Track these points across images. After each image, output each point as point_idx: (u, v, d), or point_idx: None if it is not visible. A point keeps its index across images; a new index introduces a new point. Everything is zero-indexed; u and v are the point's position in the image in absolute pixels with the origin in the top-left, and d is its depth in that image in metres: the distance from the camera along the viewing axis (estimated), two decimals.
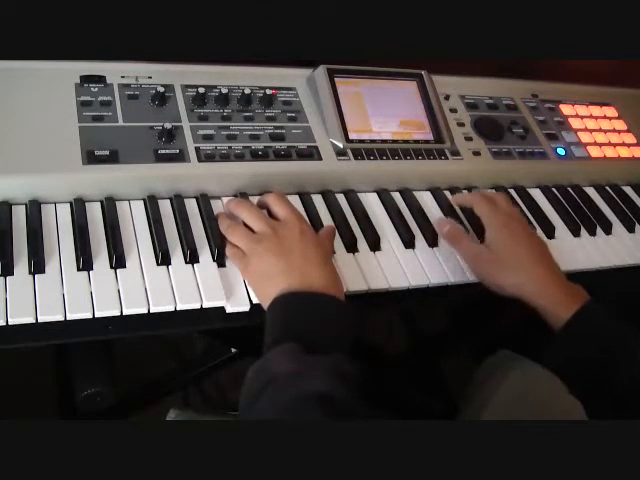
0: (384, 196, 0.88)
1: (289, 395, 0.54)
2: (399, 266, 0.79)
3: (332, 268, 0.71)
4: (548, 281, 0.76)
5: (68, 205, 0.74)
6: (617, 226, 0.96)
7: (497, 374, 0.82)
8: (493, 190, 0.94)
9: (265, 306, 0.68)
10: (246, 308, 0.70)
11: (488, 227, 0.80)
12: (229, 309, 0.69)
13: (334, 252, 0.77)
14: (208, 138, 0.80)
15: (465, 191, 0.93)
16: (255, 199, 0.81)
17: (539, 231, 0.89)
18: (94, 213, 0.74)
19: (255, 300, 0.70)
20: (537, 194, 0.97)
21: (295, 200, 0.83)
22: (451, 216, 0.87)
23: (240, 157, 0.80)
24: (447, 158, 0.91)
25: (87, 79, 0.81)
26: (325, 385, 0.54)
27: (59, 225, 0.71)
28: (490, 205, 0.82)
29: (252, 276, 0.70)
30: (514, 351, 0.79)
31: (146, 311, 0.66)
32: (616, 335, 0.72)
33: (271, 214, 0.76)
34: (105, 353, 0.71)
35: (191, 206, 0.78)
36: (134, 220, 0.74)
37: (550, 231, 0.90)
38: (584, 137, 1.03)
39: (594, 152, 1.02)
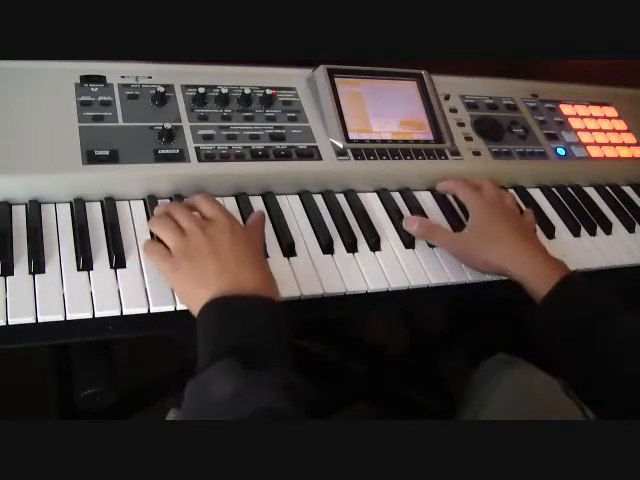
0: (384, 196, 0.88)
1: (238, 416, 0.52)
2: (399, 266, 0.79)
3: (265, 268, 0.68)
4: (531, 254, 0.76)
5: (68, 205, 0.74)
6: (617, 226, 0.96)
7: (495, 376, 0.82)
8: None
9: (194, 310, 0.63)
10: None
11: (471, 211, 0.81)
12: None
13: (267, 254, 0.74)
14: (208, 138, 0.80)
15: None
16: (255, 199, 0.81)
17: (539, 231, 0.89)
18: (94, 213, 0.74)
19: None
20: (537, 194, 0.97)
21: (295, 200, 0.83)
22: (447, 210, 0.88)
23: (240, 157, 0.80)
24: (447, 158, 0.91)
25: (87, 79, 0.81)
26: (273, 401, 0.52)
27: (59, 225, 0.72)
28: (473, 191, 0.83)
29: (179, 279, 0.65)
30: (512, 354, 0.79)
31: (146, 311, 0.66)
32: (598, 304, 0.73)
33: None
34: (105, 353, 0.71)
35: None
36: (134, 220, 0.74)
37: (550, 231, 0.90)
38: (584, 137, 1.03)
39: (594, 152, 1.02)
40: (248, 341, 0.59)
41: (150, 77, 0.83)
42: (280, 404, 0.52)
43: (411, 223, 0.81)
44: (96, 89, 0.80)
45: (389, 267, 0.78)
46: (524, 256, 0.76)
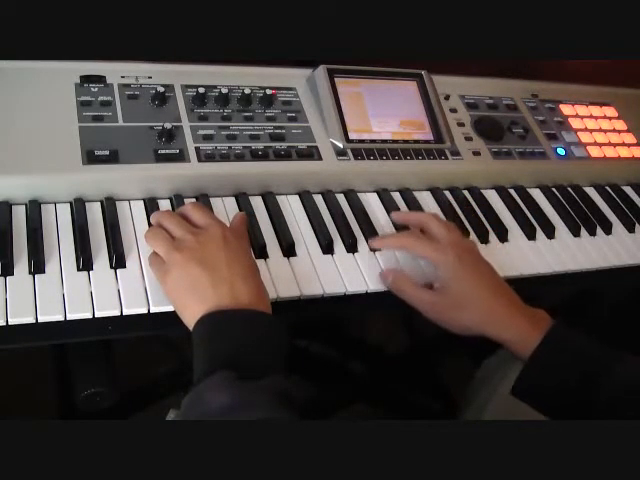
0: (384, 196, 0.88)
1: None
2: (399, 267, 0.79)
3: (257, 276, 0.66)
4: (510, 313, 0.72)
5: (68, 205, 0.74)
6: (617, 226, 0.96)
7: (497, 374, 0.82)
8: (493, 190, 0.94)
9: (188, 322, 0.63)
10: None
11: (438, 268, 0.74)
12: None
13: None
14: (208, 138, 0.80)
15: (466, 191, 0.93)
16: (255, 199, 0.81)
17: (539, 231, 0.89)
18: (94, 213, 0.74)
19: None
20: (537, 194, 0.97)
21: (295, 200, 0.83)
22: (448, 210, 0.87)
23: (240, 157, 0.80)
24: (447, 158, 0.91)
25: (87, 79, 0.81)
26: (270, 411, 0.52)
27: (59, 225, 0.72)
28: (431, 245, 0.75)
29: (172, 287, 0.64)
30: None
31: (146, 311, 0.66)
32: (587, 356, 0.69)
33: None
34: (105, 353, 0.71)
35: None
36: (134, 220, 0.74)
37: (550, 231, 0.90)
38: (584, 137, 1.03)
39: (594, 152, 1.02)
40: (244, 354, 0.59)
41: (150, 77, 0.83)
42: (277, 414, 0.52)
43: (385, 276, 0.76)
44: (96, 89, 0.80)
45: (389, 267, 0.78)
46: (504, 317, 0.71)
